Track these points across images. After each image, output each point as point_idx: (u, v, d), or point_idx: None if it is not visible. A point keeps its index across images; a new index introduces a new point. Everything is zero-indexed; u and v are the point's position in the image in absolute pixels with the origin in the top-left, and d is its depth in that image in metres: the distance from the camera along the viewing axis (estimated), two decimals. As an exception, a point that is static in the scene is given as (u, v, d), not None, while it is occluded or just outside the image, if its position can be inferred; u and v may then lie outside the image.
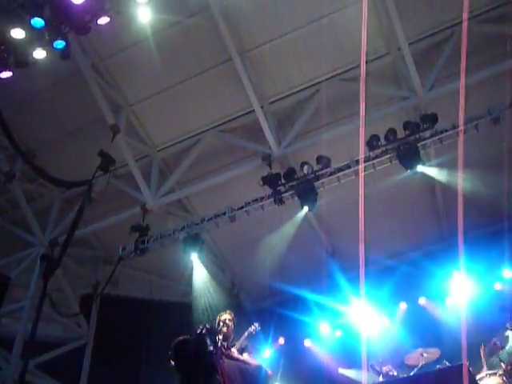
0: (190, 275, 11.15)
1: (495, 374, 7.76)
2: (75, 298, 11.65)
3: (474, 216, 11.79)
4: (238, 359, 4.36)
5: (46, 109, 10.38)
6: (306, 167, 9.31)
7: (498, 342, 8.27)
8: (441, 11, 9.45)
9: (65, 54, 7.91)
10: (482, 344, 8.35)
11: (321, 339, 11.72)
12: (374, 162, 9.13)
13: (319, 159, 9.32)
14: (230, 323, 6.74)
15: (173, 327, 11.59)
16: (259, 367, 4.41)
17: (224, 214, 9.83)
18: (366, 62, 9.94)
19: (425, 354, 8.68)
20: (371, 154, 9.11)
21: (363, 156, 9.05)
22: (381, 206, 11.81)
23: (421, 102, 9.35)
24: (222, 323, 6.78)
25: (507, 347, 7.86)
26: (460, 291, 11.03)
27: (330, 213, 11.87)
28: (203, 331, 4.36)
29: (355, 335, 11.56)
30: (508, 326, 7.96)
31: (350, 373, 10.60)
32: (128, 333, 11.08)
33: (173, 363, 4.56)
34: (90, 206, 9.80)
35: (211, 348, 4.32)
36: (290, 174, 9.43)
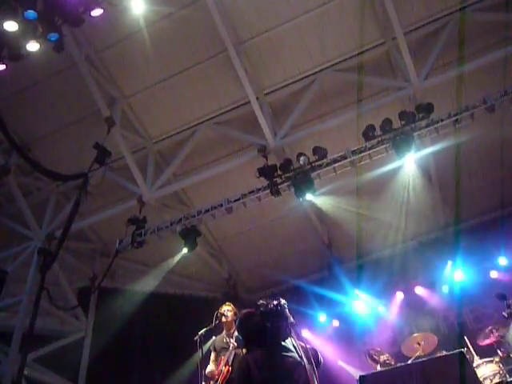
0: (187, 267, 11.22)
1: (492, 361, 7.83)
2: (73, 291, 11.65)
3: (470, 204, 11.89)
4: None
5: (41, 102, 10.32)
6: (302, 158, 9.29)
7: (494, 330, 8.33)
8: (435, 0, 9.43)
9: (58, 46, 7.84)
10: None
11: (318, 329, 11.77)
12: (370, 152, 9.13)
13: (315, 150, 9.31)
14: (230, 314, 6.80)
15: (171, 319, 11.68)
16: (316, 350, 4.46)
17: (221, 205, 9.82)
18: (361, 52, 9.98)
19: (422, 343, 8.73)
20: (367, 144, 9.11)
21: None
22: (377, 196, 11.85)
23: (416, 92, 9.33)
24: (221, 315, 6.83)
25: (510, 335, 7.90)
26: (456, 280, 11.12)
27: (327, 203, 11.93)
28: (281, 303, 4.35)
29: (353, 325, 11.66)
30: (504, 314, 8.00)
31: (348, 367, 10.66)
32: (126, 325, 11.10)
33: (240, 337, 4.55)
34: (87, 199, 9.76)
35: (292, 319, 4.32)
36: (287, 165, 9.42)
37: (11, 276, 10.04)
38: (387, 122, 8.93)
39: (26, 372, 8.64)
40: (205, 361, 6.73)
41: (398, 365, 8.56)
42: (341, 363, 10.86)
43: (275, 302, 4.37)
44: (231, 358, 6.40)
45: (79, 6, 7.46)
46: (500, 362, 7.75)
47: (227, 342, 6.68)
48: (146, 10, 8.45)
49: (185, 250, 10.15)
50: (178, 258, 10.55)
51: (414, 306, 11.26)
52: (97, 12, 7.64)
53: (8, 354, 9.63)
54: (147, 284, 11.42)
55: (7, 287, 9.75)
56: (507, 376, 7.49)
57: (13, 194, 10.91)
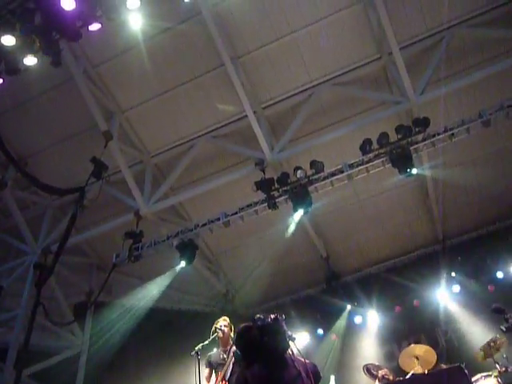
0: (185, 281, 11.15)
1: (490, 375, 7.78)
2: (69, 306, 11.56)
3: (468, 218, 11.92)
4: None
5: (38, 116, 10.33)
6: (299, 172, 9.30)
7: (493, 344, 8.28)
8: (431, 16, 9.53)
9: (56, 60, 7.87)
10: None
11: (316, 343, 11.69)
12: (367, 165, 9.14)
13: (312, 164, 9.32)
14: (226, 329, 6.73)
15: (168, 334, 11.59)
16: (315, 365, 4.41)
17: (218, 219, 9.80)
18: (358, 67, 10.06)
19: (420, 357, 8.66)
20: (364, 158, 9.13)
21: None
22: (374, 209, 11.88)
23: (412, 106, 9.38)
24: (217, 330, 6.76)
25: None
26: (454, 293, 11.09)
27: (324, 217, 11.93)
28: (278, 317, 4.29)
29: (351, 339, 11.59)
30: (502, 327, 7.97)
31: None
32: (123, 341, 11.00)
33: (238, 351, 4.48)
34: (83, 214, 9.75)
35: (290, 333, 4.27)
36: (284, 178, 9.42)
37: (6, 291, 10.01)
38: (384, 136, 8.95)
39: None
40: (202, 376, 6.65)
41: (397, 379, 8.52)
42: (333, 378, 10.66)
43: (273, 316, 4.33)
44: (228, 372, 6.33)
45: (77, 20, 7.49)
46: (498, 376, 7.70)
47: (224, 358, 6.61)
48: (143, 24, 8.50)
49: (183, 264, 10.10)
50: (175, 272, 10.47)
51: (412, 319, 11.20)
52: (95, 27, 7.67)
53: (3, 369, 9.52)
54: (144, 299, 11.34)
55: (2, 302, 9.71)
56: (506, 390, 7.43)
57: (9, 208, 10.88)
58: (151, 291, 11.20)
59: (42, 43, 7.49)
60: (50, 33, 7.53)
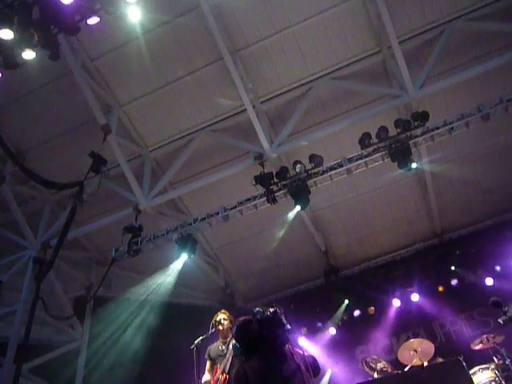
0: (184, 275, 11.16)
1: (488, 368, 7.83)
2: (68, 300, 11.58)
3: (466, 212, 11.94)
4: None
5: (37, 110, 10.29)
6: (298, 166, 9.31)
7: (490, 337, 8.33)
8: (431, 9, 9.50)
9: (54, 54, 7.82)
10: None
11: (315, 337, 11.74)
12: (366, 160, 9.15)
13: (312, 158, 9.32)
14: (226, 322, 6.74)
15: (168, 328, 11.62)
16: (314, 358, 4.43)
17: (217, 213, 9.82)
18: (357, 61, 10.04)
19: (419, 350, 8.71)
20: (363, 152, 9.13)
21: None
22: (373, 203, 11.90)
23: (412, 100, 9.37)
24: (217, 323, 6.78)
25: None
26: (452, 286, 11.14)
27: (323, 211, 11.96)
28: (277, 311, 4.32)
29: (349, 332, 11.63)
30: (500, 320, 8.02)
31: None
32: (122, 335, 11.03)
33: (237, 344, 4.51)
34: (82, 208, 9.73)
35: (289, 326, 4.30)
36: (283, 173, 9.43)
37: (6, 285, 10.00)
38: (383, 130, 8.96)
39: (20, 382, 8.53)
40: (201, 370, 6.68)
41: (395, 372, 8.57)
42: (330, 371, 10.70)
43: (272, 310, 4.35)
44: (228, 365, 6.35)
45: (75, 14, 7.44)
46: (496, 368, 7.75)
47: (223, 350, 6.63)
48: (142, 17, 8.44)
49: (184, 258, 10.11)
50: (179, 265, 10.45)
51: (410, 313, 11.25)
52: (93, 20, 7.61)
53: (2, 364, 9.54)
54: (144, 293, 11.36)
55: (2, 297, 9.72)
56: (503, 383, 7.48)
57: (7, 202, 10.84)
58: (151, 285, 11.22)
59: (41, 37, 7.43)
60: (49, 26, 7.47)
